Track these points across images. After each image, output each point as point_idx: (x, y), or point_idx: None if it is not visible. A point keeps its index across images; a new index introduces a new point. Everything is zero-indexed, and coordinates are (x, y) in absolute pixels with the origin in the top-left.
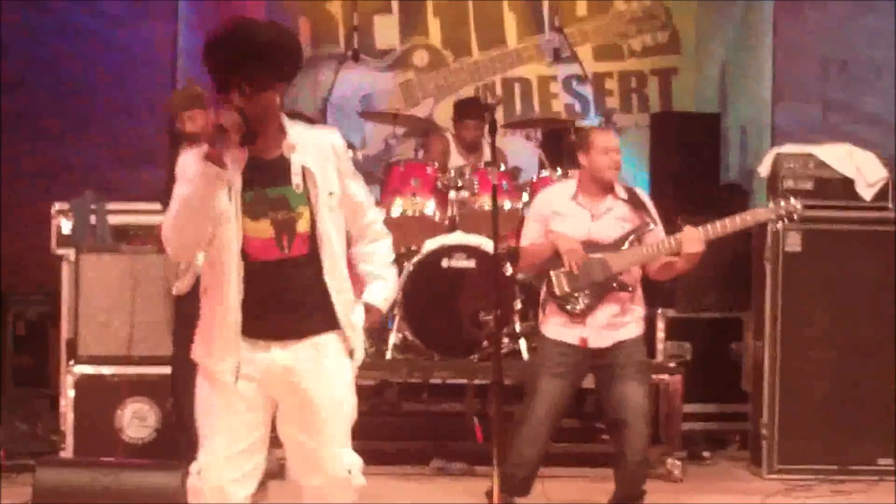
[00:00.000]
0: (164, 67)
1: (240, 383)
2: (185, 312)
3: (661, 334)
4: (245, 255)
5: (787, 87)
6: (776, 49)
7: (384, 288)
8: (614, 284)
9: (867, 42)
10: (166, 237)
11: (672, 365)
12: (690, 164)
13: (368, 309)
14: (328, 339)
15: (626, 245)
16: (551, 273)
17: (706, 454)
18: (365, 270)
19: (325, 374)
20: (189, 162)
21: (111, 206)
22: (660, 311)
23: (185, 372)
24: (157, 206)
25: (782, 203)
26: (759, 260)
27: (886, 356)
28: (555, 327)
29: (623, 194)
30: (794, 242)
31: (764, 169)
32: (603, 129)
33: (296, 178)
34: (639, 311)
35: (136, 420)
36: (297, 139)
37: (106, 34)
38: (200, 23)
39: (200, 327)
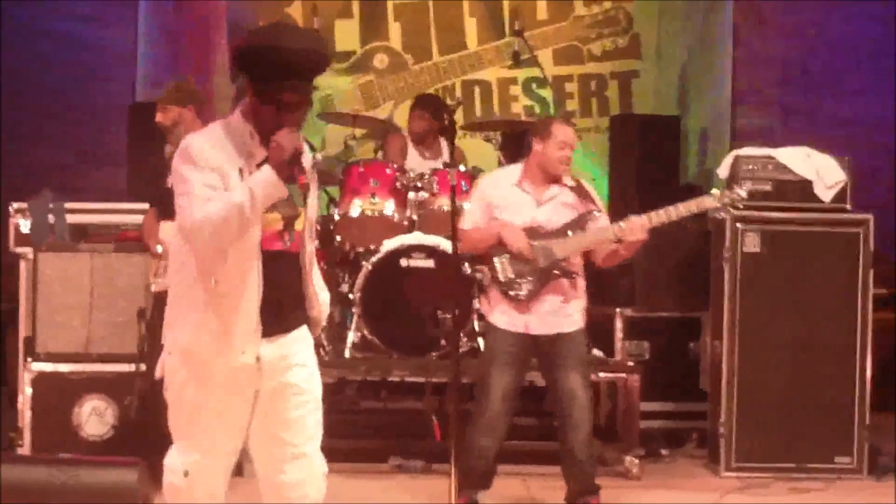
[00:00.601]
0: (124, 68)
1: (245, 380)
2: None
3: (619, 333)
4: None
5: (747, 90)
6: (736, 53)
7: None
8: (557, 271)
9: (827, 46)
10: (200, 230)
11: (630, 364)
12: (650, 167)
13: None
14: (306, 333)
15: (571, 232)
16: (494, 259)
17: (664, 452)
18: None
19: (309, 368)
20: (209, 146)
21: (69, 205)
22: (618, 310)
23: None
24: (116, 205)
25: (726, 191)
26: (718, 260)
27: (844, 355)
28: (500, 315)
29: (570, 181)
30: (752, 243)
31: (723, 171)
32: (565, 123)
33: (307, 177)
34: (581, 303)
35: (94, 417)
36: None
37: (66, 35)
38: (161, 25)
39: (208, 319)
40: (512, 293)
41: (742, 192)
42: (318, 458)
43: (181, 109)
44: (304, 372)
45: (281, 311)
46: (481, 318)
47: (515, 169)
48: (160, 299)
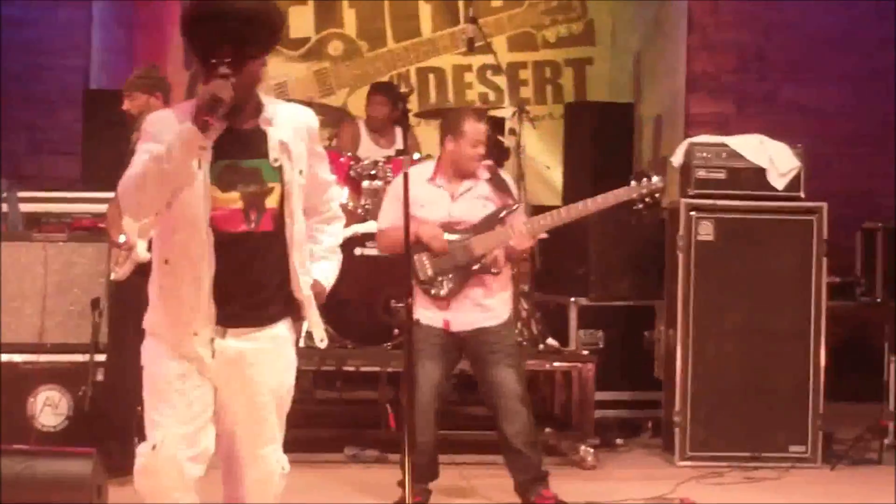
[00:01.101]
0: (78, 54)
1: (185, 361)
2: (125, 298)
3: (573, 322)
4: (211, 225)
5: (701, 77)
6: (691, 40)
7: (330, 268)
8: (477, 267)
9: (782, 34)
10: (126, 192)
11: (585, 353)
12: (604, 154)
13: (314, 284)
14: (282, 330)
15: (490, 227)
16: (415, 257)
17: (619, 441)
18: (312, 248)
19: (276, 370)
20: (159, 119)
21: (23, 193)
22: (573, 299)
23: (121, 359)
24: (70, 194)
25: (644, 181)
26: (672, 249)
27: (798, 344)
28: (422, 311)
29: (485, 174)
30: (706, 231)
31: (677, 159)
32: (476, 118)
33: (273, 153)
34: (505, 295)
35: (49, 408)
36: (273, 112)
37: (18, 21)
38: (114, 8)
39: (162, 298)
40: (433, 291)
41: (657, 180)
42: (276, 459)
43: (149, 97)
44: (270, 372)
45: (247, 303)
46: None
47: (429, 165)
48: (120, 288)
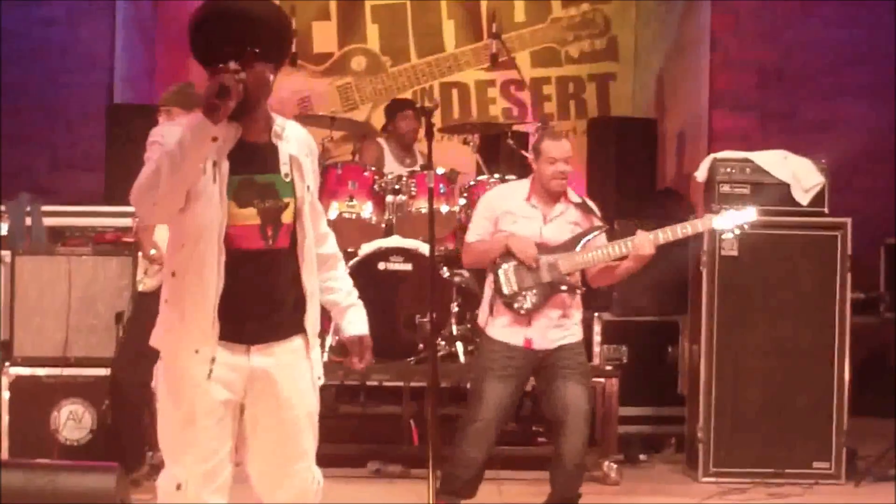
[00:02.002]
0: (100, 70)
1: (214, 387)
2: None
3: (597, 337)
4: (226, 242)
5: (724, 93)
6: (713, 56)
7: (363, 314)
8: (563, 286)
9: (804, 50)
10: (140, 194)
11: (608, 368)
12: (627, 169)
13: (359, 341)
14: (301, 344)
15: (577, 248)
16: (499, 271)
17: (642, 457)
18: (332, 298)
19: (303, 381)
20: (171, 130)
21: (46, 207)
22: (596, 314)
23: (128, 373)
24: (93, 208)
25: (735, 210)
26: (696, 264)
27: (822, 360)
28: (500, 328)
29: (576, 198)
30: (730, 247)
31: (701, 174)
32: (554, 138)
33: (284, 167)
34: (580, 315)
35: (72, 422)
36: (282, 127)
37: (42, 36)
38: (137, 24)
39: (168, 313)
40: (516, 305)
41: (751, 211)
42: (311, 475)
43: (187, 114)
44: (296, 386)
45: (268, 318)
46: (459, 322)
47: (524, 184)
48: (143, 300)
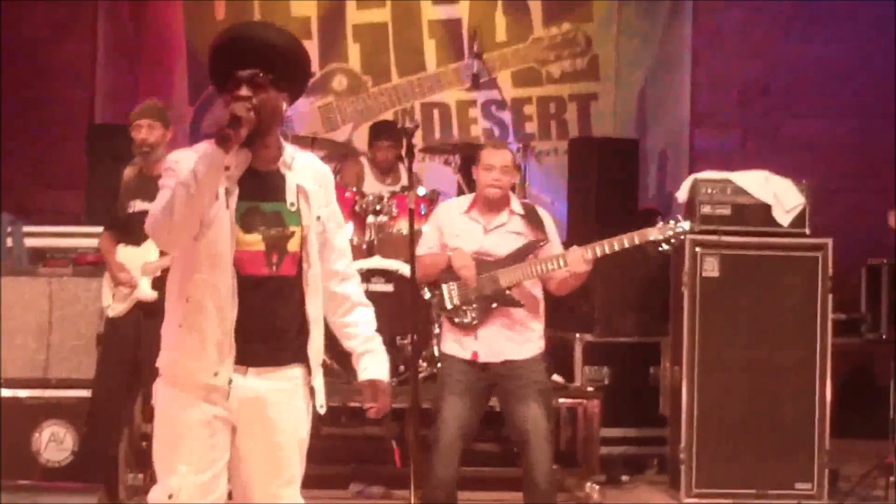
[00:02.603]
0: (83, 89)
1: (206, 406)
2: (118, 335)
3: (579, 359)
4: (234, 266)
5: (705, 112)
6: (695, 75)
7: (379, 359)
8: (500, 300)
9: (786, 68)
10: (155, 223)
11: (590, 389)
12: (609, 190)
13: (371, 385)
14: (300, 373)
15: (517, 261)
16: (443, 285)
17: (625, 478)
18: (350, 346)
19: (296, 410)
20: (181, 157)
21: (28, 228)
22: (578, 335)
23: (106, 395)
24: (74, 228)
25: (671, 223)
26: (677, 285)
27: (804, 380)
28: (450, 343)
29: (519, 209)
30: (711, 267)
31: (682, 194)
32: (493, 147)
33: (290, 196)
34: (538, 329)
35: (53, 443)
36: (292, 157)
37: (24, 55)
38: (119, 43)
39: (180, 337)
40: (457, 320)
41: (685, 224)
42: (294, 499)
43: (165, 131)
44: (289, 412)
45: (268, 343)
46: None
47: (467, 198)
48: (112, 324)
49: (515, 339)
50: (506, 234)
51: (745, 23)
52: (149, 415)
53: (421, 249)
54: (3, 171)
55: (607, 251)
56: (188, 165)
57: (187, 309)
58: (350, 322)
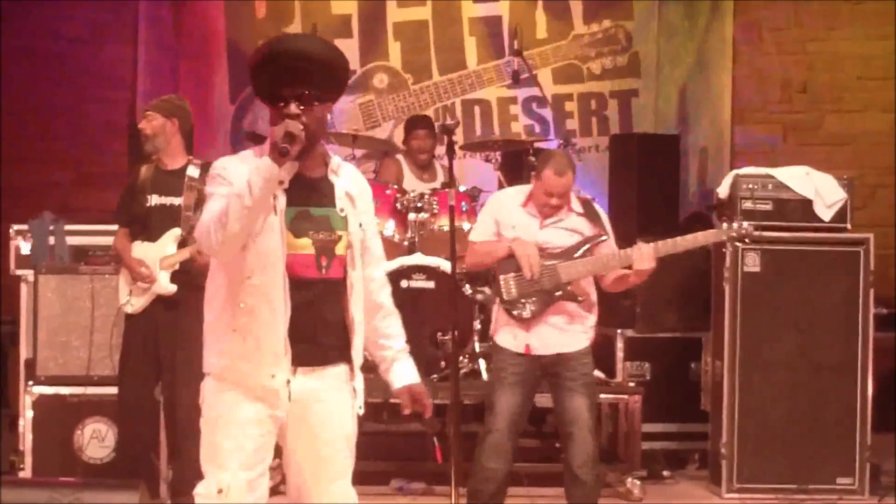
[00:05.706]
0: (123, 89)
1: (260, 405)
2: (139, 331)
3: (620, 354)
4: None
5: (746, 109)
6: (736, 70)
7: (408, 365)
8: (561, 294)
9: (827, 64)
10: (207, 233)
11: (631, 385)
12: (650, 186)
13: (407, 391)
14: (344, 370)
15: (578, 255)
16: (501, 277)
17: (666, 473)
18: (381, 356)
19: (342, 405)
20: (227, 164)
21: (69, 226)
22: (619, 331)
23: (133, 393)
24: (117, 227)
25: (735, 225)
26: (719, 280)
27: (845, 375)
28: (504, 335)
29: (578, 207)
30: (752, 263)
31: (723, 190)
32: (557, 172)
33: (340, 202)
34: (590, 320)
35: (95, 440)
36: (338, 164)
37: (65, 56)
38: (160, 43)
39: (241, 343)
40: (515, 312)
41: (750, 227)
42: (346, 493)
43: (166, 121)
44: (336, 409)
45: (316, 343)
46: (482, 339)
47: (523, 190)
48: (131, 321)
49: (568, 332)
50: (561, 231)
51: (787, 19)
52: (167, 406)
53: (475, 236)
54: (46, 172)
55: (671, 250)
56: (237, 173)
57: (241, 314)
58: (385, 331)
